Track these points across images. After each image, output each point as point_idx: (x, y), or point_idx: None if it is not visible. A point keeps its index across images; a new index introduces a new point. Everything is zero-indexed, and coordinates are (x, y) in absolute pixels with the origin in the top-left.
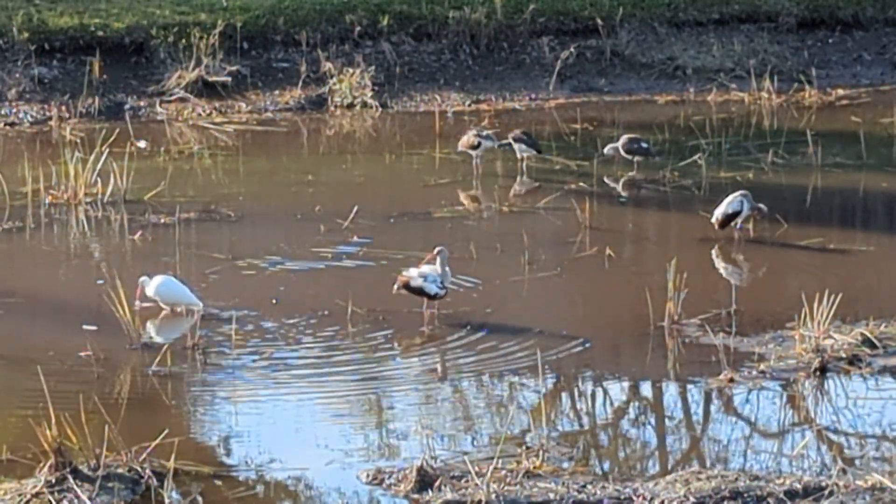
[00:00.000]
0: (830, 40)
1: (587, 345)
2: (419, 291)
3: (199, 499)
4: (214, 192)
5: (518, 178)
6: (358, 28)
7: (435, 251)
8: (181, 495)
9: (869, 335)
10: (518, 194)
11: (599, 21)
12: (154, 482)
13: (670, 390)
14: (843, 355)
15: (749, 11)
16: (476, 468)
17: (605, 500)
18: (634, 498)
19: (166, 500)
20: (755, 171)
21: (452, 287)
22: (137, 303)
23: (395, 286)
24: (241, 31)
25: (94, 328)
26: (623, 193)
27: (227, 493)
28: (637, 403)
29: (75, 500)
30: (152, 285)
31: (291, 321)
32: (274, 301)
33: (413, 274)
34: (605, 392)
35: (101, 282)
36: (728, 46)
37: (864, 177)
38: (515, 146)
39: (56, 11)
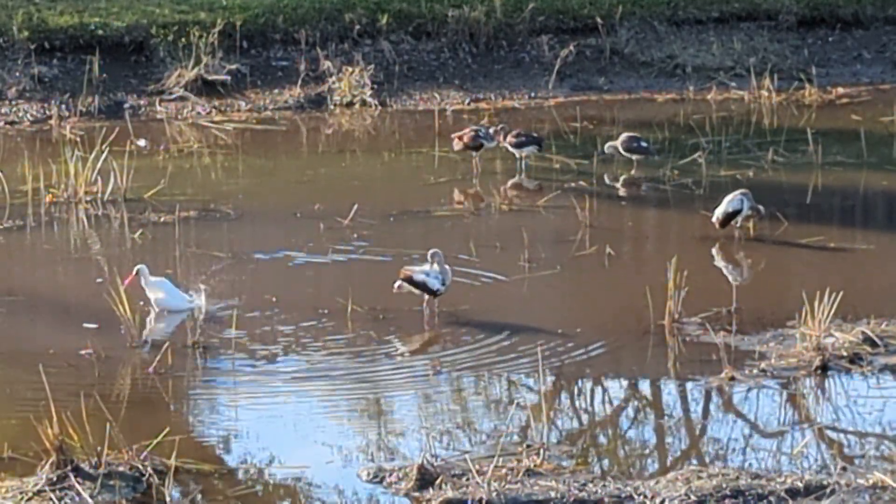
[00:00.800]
0: (830, 38)
1: (587, 343)
2: (422, 285)
3: (200, 497)
4: (214, 190)
5: (517, 177)
6: (357, 26)
7: (429, 254)
8: (182, 493)
9: (870, 333)
10: (518, 193)
11: (599, 19)
12: (155, 480)
13: (671, 389)
14: (844, 354)
15: (749, 9)
16: (476, 466)
17: (605, 498)
18: (635, 496)
19: (167, 498)
20: (755, 169)
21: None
22: (126, 284)
23: (396, 283)
24: (240, 30)
25: (94, 326)
26: (623, 192)
27: (227, 491)
28: (637, 402)
29: (77, 498)
30: (149, 287)
31: (291, 319)
32: (274, 299)
33: (415, 269)
34: (606, 390)
35: (100, 280)
36: (728, 45)
37: (865, 175)
38: (518, 150)
39: (56, 10)
